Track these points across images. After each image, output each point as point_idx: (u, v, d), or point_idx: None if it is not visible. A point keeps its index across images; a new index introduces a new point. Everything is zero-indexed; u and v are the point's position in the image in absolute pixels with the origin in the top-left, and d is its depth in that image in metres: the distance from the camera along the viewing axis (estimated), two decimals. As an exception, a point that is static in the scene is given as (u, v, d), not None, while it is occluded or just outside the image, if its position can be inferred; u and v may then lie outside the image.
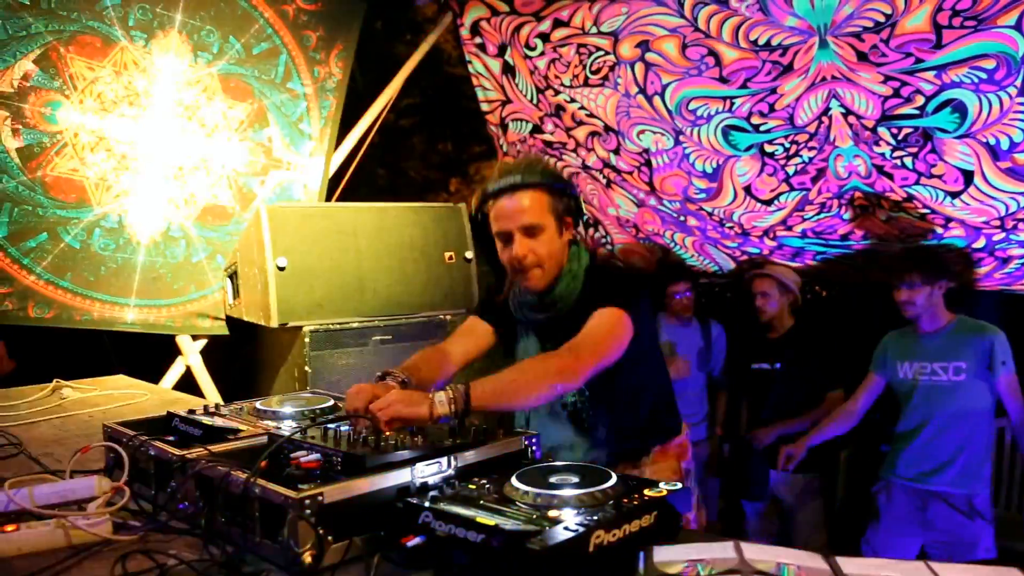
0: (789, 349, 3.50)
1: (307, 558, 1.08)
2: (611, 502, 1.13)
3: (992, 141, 2.69)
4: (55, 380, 2.63)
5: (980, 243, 3.16)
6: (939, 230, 3.17)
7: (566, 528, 1.03)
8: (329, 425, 1.39)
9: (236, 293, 3.30)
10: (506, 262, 1.80)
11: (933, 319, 2.95)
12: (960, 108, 2.65)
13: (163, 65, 3.29)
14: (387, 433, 1.36)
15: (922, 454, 2.93)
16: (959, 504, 2.86)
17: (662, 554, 1.03)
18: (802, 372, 3.44)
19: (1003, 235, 3.04)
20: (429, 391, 1.48)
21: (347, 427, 1.39)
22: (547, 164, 1.84)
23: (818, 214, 3.42)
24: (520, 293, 1.87)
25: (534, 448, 1.44)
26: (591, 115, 3.56)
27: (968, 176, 2.84)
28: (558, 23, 3.34)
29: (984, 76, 2.52)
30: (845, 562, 1.00)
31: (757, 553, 1.02)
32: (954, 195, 2.94)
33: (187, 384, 3.45)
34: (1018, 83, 2.50)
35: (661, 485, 1.20)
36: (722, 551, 1.03)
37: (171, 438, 1.49)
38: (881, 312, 5.27)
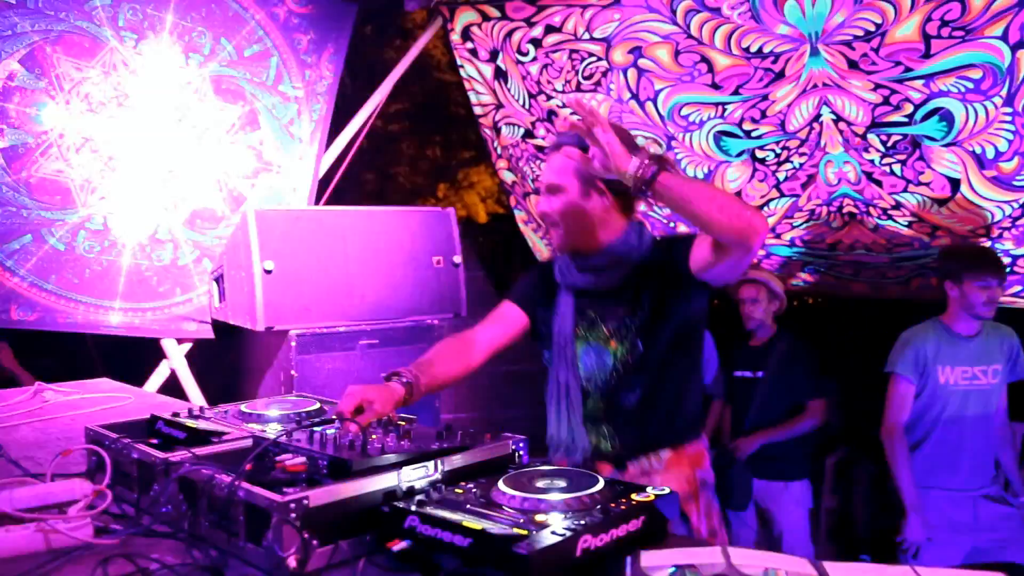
0: (772, 357, 3.47)
1: (292, 562, 1.07)
2: (598, 506, 1.12)
3: (978, 150, 2.72)
4: (36, 383, 2.59)
5: (967, 252, 3.18)
6: (926, 239, 3.20)
7: (553, 532, 1.02)
8: (315, 428, 1.38)
9: (222, 296, 3.28)
10: (539, 218, 1.84)
11: (972, 322, 2.83)
12: (947, 117, 2.68)
13: (153, 66, 3.27)
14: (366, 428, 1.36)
15: (966, 462, 2.85)
16: (1006, 500, 2.86)
17: (649, 559, 1.02)
18: (785, 380, 3.42)
19: (989, 244, 3.06)
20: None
21: (333, 430, 1.38)
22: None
23: (806, 221, 3.44)
24: (564, 259, 1.87)
25: (521, 452, 1.43)
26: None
27: (955, 184, 2.87)
28: (550, 29, 3.35)
29: (971, 86, 2.55)
30: (832, 567, 0.99)
31: (744, 558, 1.02)
32: (941, 203, 2.97)
33: (172, 388, 3.41)
34: (1004, 93, 2.53)
35: (648, 490, 1.20)
36: (709, 556, 1.03)
37: (154, 441, 1.47)
38: (865, 320, 5.33)
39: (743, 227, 1.48)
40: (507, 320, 1.91)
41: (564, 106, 3.55)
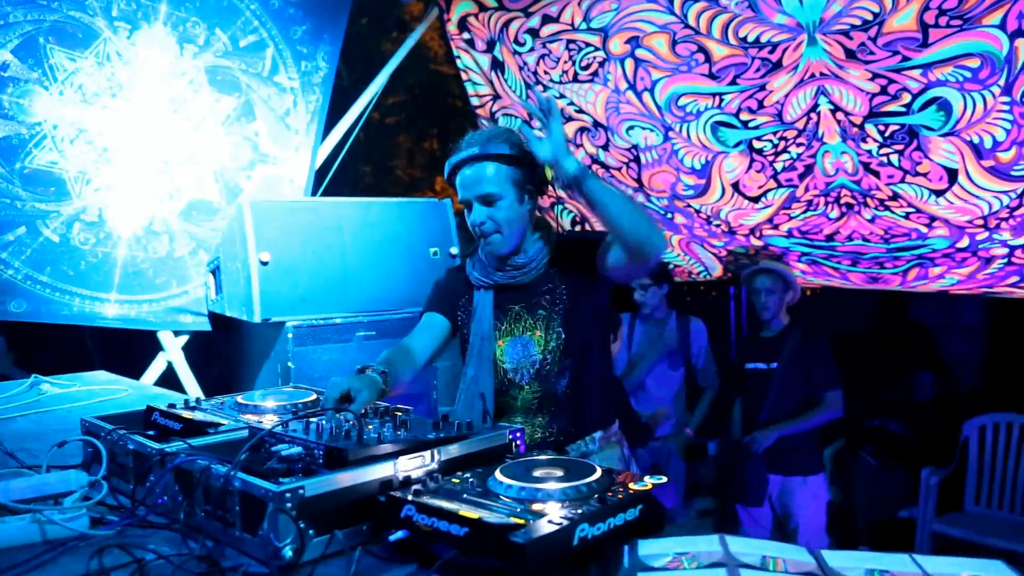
0: (786, 348, 3.37)
1: (288, 552, 1.06)
2: (596, 496, 1.12)
3: (976, 140, 2.71)
4: (33, 375, 2.58)
5: (964, 242, 3.18)
6: (923, 229, 3.19)
7: (550, 521, 1.01)
8: (311, 419, 1.37)
9: (218, 288, 3.27)
10: (470, 228, 1.87)
11: None
12: (945, 106, 2.67)
13: (148, 57, 3.24)
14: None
15: None
16: None
17: (647, 548, 1.02)
18: (801, 372, 3.32)
19: (986, 234, 3.06)
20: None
21: (329, 421, 1.37)
22: (510, 135, 1.86)
23: (804, 212, 3.43)
24: (485, 256, 1.92)
25: (518, 442, 1.43)
26: (580, 111, 3.55)
27: (952, 174, 2.86)
28: (547, 19, 3.34)
29: (969, 75, 2.54)
30: (830, 555, 0.99)
31: (742, 547, 1.02)
32: (939, 193, 2.96)
33: (169, 380, 3.41)
34: (1001, 82, 2.52)
35: (646, 479, 1.20)
36: (707, 545, 1.02)
37: (150, 432, 1.46)
38: (863, 311, 5.34)
39: (646, 243, 1.66)
40: (432, 328, 1.99)
41: (561, 96, 3.54)
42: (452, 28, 3.73)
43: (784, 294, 3.39)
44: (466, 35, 3.71)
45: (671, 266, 4.17)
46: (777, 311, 3.41)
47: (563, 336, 1.85)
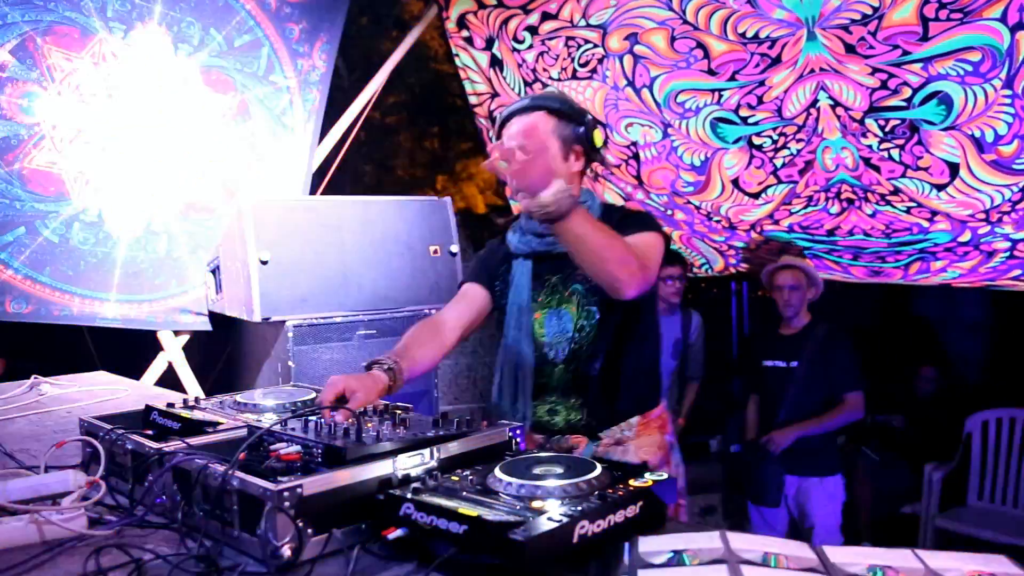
0: (808, 346, 3.30)
1: (286, 551, 1.06)
2: (596, 493, 1.11)
3: (977, 133, 2.70)
4: (33, 376, 2.58)
5: (966, 236, 3.16)
6: (925, 224, 3.18)
7: (550, 519, 1.01)
8: (310, 417, 1.37)
9: (218, 288, 3.26)
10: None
11: None
12: (946, 100, 2.65)
13: (143, 57, 3.24)
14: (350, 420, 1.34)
15: None
16: None
17: (648, 544, 1.01)
18: (822, 371, 3.26)
19: (988, 228, 3.05)
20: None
21: (329, 419, 1.37)
22: (564, 96, 1.84)
23: (805, 208, 3.42)
24: (525, 221, 1.86)
25: (518, 439, 1.42)
26: (578, 108, 3.54)
27: (954, 169, 2.85)
28: (546, 16, 3.33)
29: (970, 68, 2.53)
30: (832, 551, 0.99)
31: (744, 543, 1.01)
32: (940, 188, 2.95)
33: (169, 380, 3.40)
34: (1003, 76, 2.51)
35: (647, 475, 1.19)
36: (708, 541, 1.02)
37: (149, 432, 1.46)
38: (865, 306, 5.32)
39: (619, 283, 1.57)
40: (470, 298, 1.93)
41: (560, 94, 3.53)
42: (451, 26, 3.72)
43: (807, 291, 3.34)
44: (465, 33, 3.70)
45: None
46: (799, 308, 3.35)
47: (596, 316, 1.79)
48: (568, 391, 1.84)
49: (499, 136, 1.82)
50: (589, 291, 1.79)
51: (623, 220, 1.77)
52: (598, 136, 1.80)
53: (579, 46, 3.32)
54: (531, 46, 3.47)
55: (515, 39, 3.51)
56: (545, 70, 3.50)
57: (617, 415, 1.83)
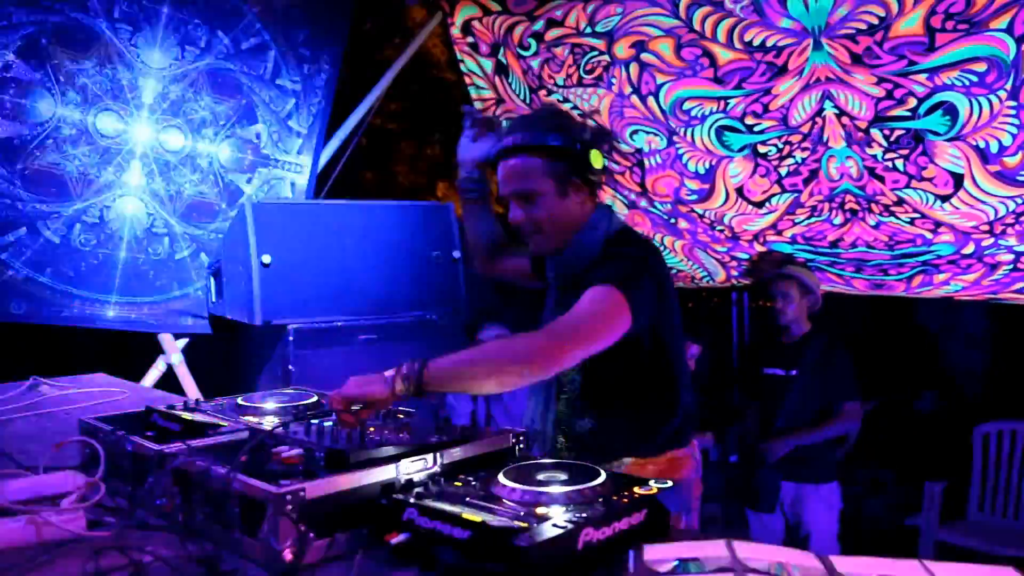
0: (807, 355, 3.30)
1: (288, 555, 1.05)
2: (600, 499, 1.10)
3: (982, 144, 2.70)
4: (32, 377, 2.57)
5: (969, 248, 3.16)
6: (928, 235, 3.18)
7: (554, 525, 1.00)
8: (313, 420, 1.36)
9: (220, 291, 3.26)
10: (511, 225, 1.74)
11: None
12: (951, 111, 2.65)
13: (149, 59, 3.24)
14: (350, 421, 1.31)
15: None
16: None
17: (653, 552, 1.00)
18: (820, 380, 3.26)
19: (992, 240, 3.04)
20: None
21: (331, 422, 1.36)
22: (552, 120, 1.69)
23: (808, 218, 3.41)
24: None
25: (521, 446, 1.41)
26: (584, 115, 3.54)
27: (958, 179, 2.84)
28: (552, 23, 3.33)
29: (975, 79, 2.53)
30: (840, 561, 0.97)
31: (750, 552, 1.00)
32: (944, 199, 2.94)
33: (169, 383, 3.39)
34: (1008, 87, 2.50)
35: (651, 483, 1.18)
36: (714, 550, 1.00)
37: (149, 433, 1.45)
38: (866, 318, 5.31)
39: (526, 381, 1.48)
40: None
41: (565, 100, 3.53)
42: (456, 32, 3.72)
43: (802, 300, 3.33)
44: (470, 39, 3.70)
45: (674, 271, 4.16)
46: (796, 317, 3.34)
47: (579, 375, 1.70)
48: (585, 410, 1.75)
49: (493, 168, 1.75)
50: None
51: (604, 262, 1.64)
52: (596, 157, 1.68)
53: (585, 53, 3.32)
54: (536, 53, 3.47)
55: (520, 46, 3.51)
56: (551, 77, 3.50)
57: (629, 444, 1.74)
